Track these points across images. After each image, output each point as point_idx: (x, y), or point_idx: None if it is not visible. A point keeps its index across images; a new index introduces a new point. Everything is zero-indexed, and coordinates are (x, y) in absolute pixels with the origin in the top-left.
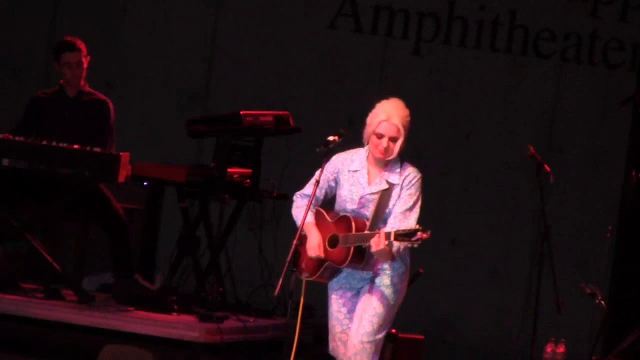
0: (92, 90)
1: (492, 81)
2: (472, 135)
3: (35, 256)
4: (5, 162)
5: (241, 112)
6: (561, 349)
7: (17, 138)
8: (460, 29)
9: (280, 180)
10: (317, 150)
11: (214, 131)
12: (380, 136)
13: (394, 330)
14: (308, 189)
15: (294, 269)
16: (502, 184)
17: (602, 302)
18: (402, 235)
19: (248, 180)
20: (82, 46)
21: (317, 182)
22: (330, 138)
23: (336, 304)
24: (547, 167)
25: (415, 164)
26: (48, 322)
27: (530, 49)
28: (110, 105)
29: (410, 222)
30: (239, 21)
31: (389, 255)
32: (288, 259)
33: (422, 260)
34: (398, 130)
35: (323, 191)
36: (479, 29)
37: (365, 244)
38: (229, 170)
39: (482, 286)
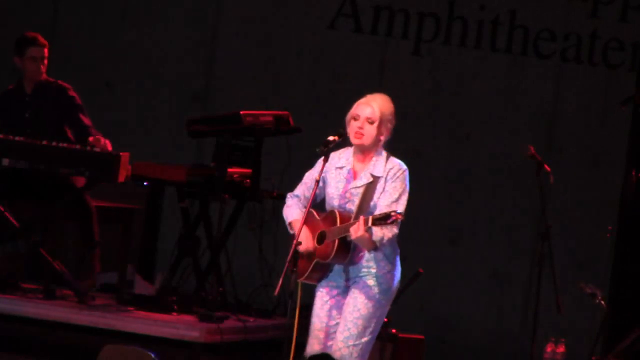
0: (50, 79)
1: (492, 81)
2: (472, 135)
3: (35, 256)
4: (5, 162)
5: (241, 112)
6: (561, 349)
7: (17, 138)
8: (460, 29)
9: (280, 180)
10: (317, 150)
11: (214, 131)
12: (356, 118)
13: (394, 330)
14: (298, 189)
15: (295, 269)
16: (502, 184)
17: (602, 302)
18: (378, 220)
19: (248, 180)
20: (45, 41)
21: (317, 181)
22: (330, 138)
23: (320, 301)
24: (547, 167)
25: (415, 163)
26: (48, 322)
27: (530, 49)
28: (72, 91)
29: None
30: (239, 21)
31: (370, 242)
32: (288, 258)
33: (422, 260)
34: (374, 112)
35: (312, 191)
36: (479, 29)
37: (348, 235)
38: (229, 170)
39: (482, 286)
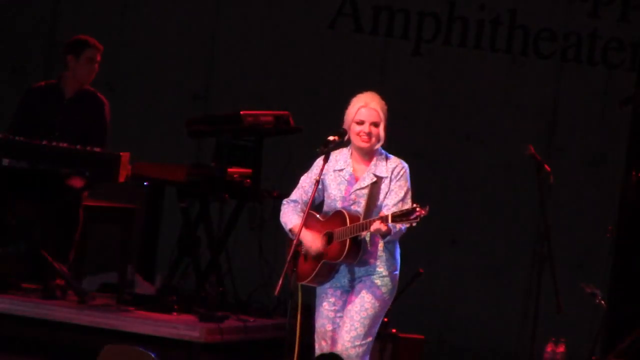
0: (91, 89)
1: (492, 81)
2: (472, 135)
3: (35, 256)
4: (6, 162)
5: (241, 112)
6: (561, 349)
7: (17, 138)
8: (460, 29)
9: (280, 180)
10: (317, 150)
11: (214, 131)
12: (361, 123)
13: (394, 330)
14: (295, 194)
15: (295, 269)
16: (502, 184)
17: (602, 302)
18: (399, 217)
19: (248, 180)
20: (101, 47)
21: (317, 181)
22: (330, 138)
23: (327, 303)
24: (547, 167)
25: (415, 163)
26: (48, 322)
27: (530, 49)
28: (107, 106)
29: None
30: (239, 21)
31: (386, 231)
32: (288, 258)
33: (422, 260)
34: (378, 114)
35: (312, 191)
36: (479, 29)
37: (361, 234)
38: (229, 170)
39: (482, 286)
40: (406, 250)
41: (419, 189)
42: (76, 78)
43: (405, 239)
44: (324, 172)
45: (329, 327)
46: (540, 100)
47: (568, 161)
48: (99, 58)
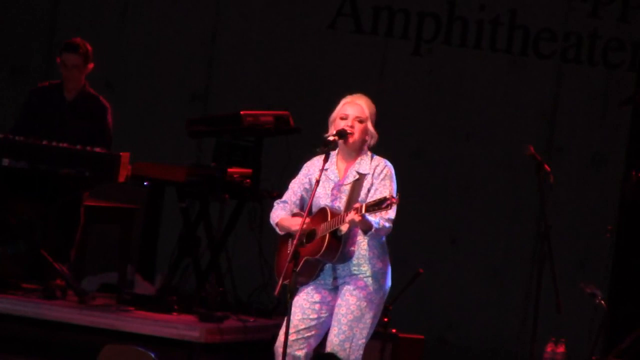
0: (93, 93)
1: (492, 81)
2: (472, 135)
3: (35, 256)
4: (6, 162)
5: (241, 112)
6: (561, 349)
7: (17, 138)
8: (460, 29)
9: (280, 180)
10: (317, 150)
11: (214, 131)
12: (345, 117)
13: (394, 330)
14: (285, 196)
15: (296, 269)
16: (502, 184)
17: (602, 302)
18: (372, 206)
19: (248, 180)
20: (84, 51)
21: (318, 181)
22: (330, 137)
23: (304, 294)
24: (547, 167)
25: (415, 163)
26: (48, 322)
27: (530, 49)
28: (109, 111)
29: (390, 212)
30: (239, 21)
31: (365, 224)
32: (288, 259)
33: (422, 260)
34: (363, 110)
35: (299, 194)
36: (479, 29)
37: (340, 228)
38: (229, 170)
39: (482, 286)
40: (406, 251)
41: (418, 189)
42: (64, 81)
43: (405, 239)
44: (310, 173)
45: (298, 317)
46: (540, 100)
47: (568, 161)
48: (82, 63)
